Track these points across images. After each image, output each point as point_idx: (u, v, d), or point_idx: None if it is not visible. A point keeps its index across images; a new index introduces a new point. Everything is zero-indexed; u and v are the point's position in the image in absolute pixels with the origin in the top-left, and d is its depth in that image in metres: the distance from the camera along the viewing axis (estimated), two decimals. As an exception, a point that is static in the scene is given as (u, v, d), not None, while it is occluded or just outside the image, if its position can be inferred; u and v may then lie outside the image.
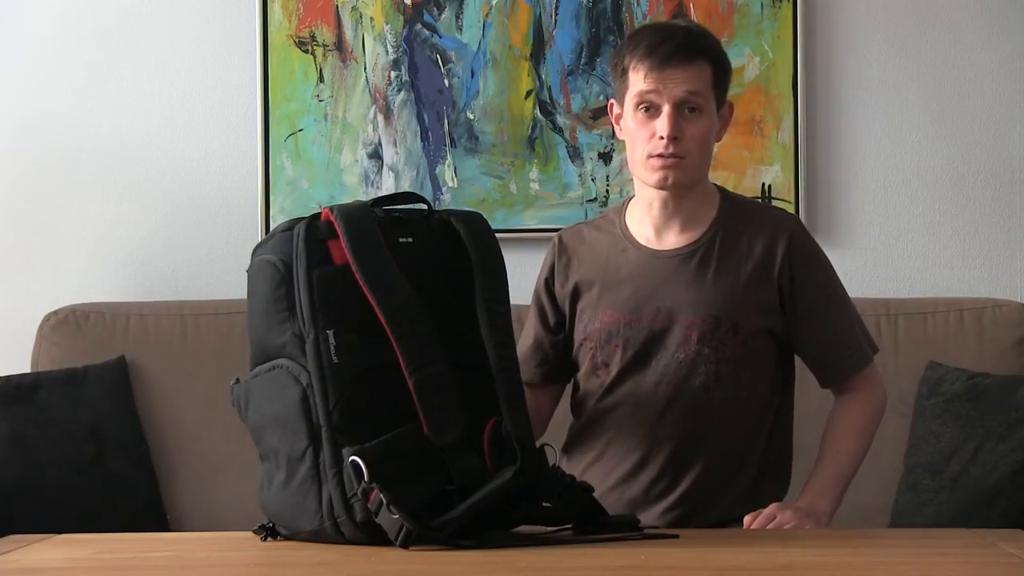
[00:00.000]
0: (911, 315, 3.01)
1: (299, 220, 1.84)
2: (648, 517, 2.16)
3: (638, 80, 2.19)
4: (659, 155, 2.18)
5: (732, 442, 2.21)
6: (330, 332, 1.77)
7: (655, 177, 2.20)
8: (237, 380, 1.91)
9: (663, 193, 2.24)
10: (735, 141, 3.19)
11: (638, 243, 2.28)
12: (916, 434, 2.87)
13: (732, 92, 3.16)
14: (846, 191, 3.23)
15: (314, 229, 1.81)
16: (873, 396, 2.29)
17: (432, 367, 1.77)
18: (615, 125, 2.31)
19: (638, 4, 3.22)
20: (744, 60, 3.20)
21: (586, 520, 1.83)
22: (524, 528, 1.82)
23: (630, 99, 2.21)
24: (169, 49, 3.31)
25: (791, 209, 3.18)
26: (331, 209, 1.83)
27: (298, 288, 1.80)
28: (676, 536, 1.84)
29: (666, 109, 2.17)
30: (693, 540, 1.86)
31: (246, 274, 1.89)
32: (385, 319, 1.76)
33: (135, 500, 2.91)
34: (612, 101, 2.30)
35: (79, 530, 2.04)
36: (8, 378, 2.96)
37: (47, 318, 3.10)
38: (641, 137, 2.20)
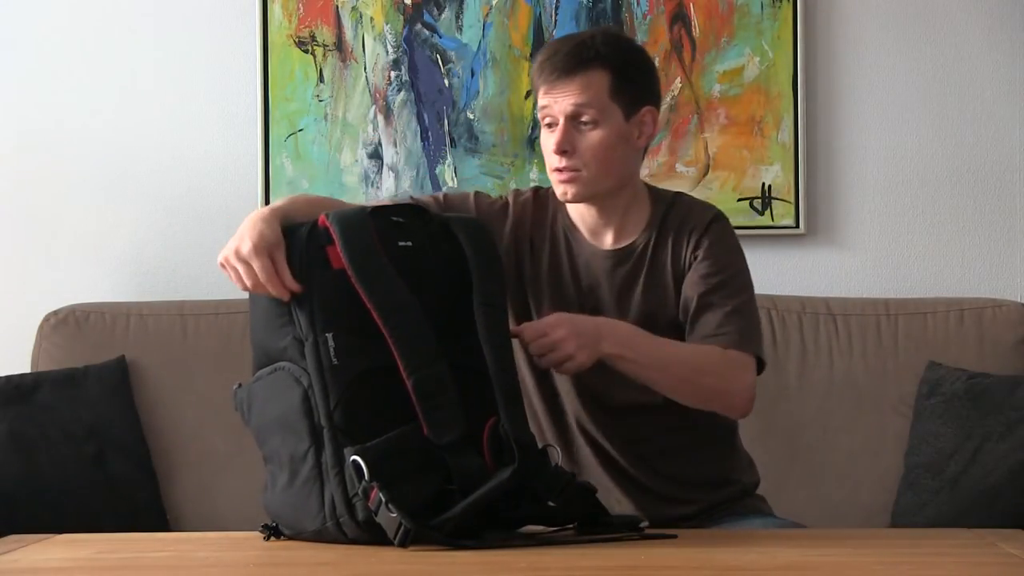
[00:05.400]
0: (911, 315, 3.01)
1: (300, 226, 1.87)
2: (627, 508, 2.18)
3: (539, 97, 2.19)
4: (556, 169, 2.17)
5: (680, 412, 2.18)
6: (329, 335, 1.79)
7: (558, 191, 2.19)
8: (240, 385, 1.92)
9: (580, 205, 2.22)
10: (735, 141, 3.20)
11: (582, 237, 2.26)
12: (916, 434, 2.87)
13: (732, 92, 3.22)
14: (846, 191, 3.23)
15: (313, 235, 1.84)
16: (736, 376, 2.11)
17: (430, 368, 1.78)
18: None
19: (638, 4, 3.21)
20: (744, 60, 3.21)
21: (588, 520, 1.84)
22: (526, 528, 1.82)
23: (538, 115, 2.21)
24: (169, 49, 3.31)
25: (791, 209, 3.19)
26: (327, 215, 1.85)
27: None
28: (675, 536, 1.84)
29: (560, 123, 2.15)
30: (693, 540, 1.86)
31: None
32: (381, 321, 1.78)
33: (135, 500, 2.91)
34: None
35: (79, 530, 2.04)
36: (8, 378, 2.95)
37: (47, 318, 3.09)
38: (547, 152, 2.19)
